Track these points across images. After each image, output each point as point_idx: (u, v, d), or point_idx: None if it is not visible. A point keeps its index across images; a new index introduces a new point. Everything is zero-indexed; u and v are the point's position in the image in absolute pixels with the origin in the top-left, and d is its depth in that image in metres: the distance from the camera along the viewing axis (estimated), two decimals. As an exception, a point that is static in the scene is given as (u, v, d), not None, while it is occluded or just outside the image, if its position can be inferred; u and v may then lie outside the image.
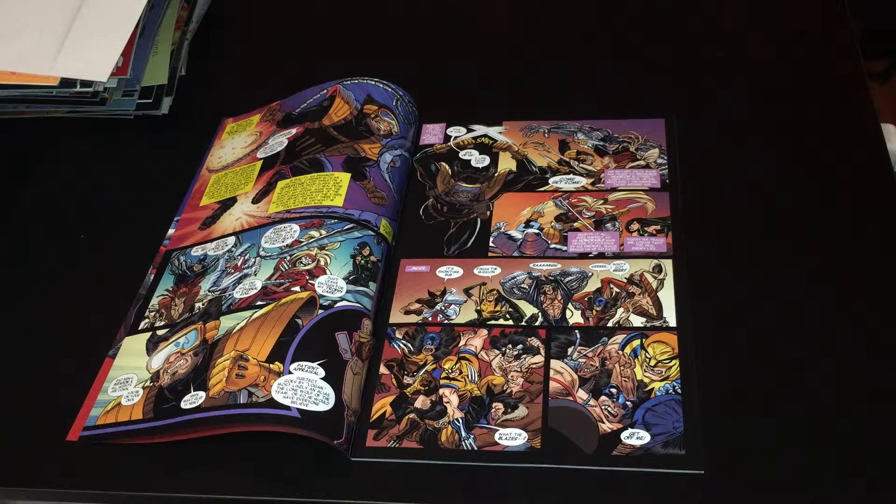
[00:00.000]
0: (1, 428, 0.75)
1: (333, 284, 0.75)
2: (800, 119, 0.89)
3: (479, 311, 0.76)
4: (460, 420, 0.69)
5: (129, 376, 0.75)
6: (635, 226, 0.80)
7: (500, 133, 0.91)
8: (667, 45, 1.00)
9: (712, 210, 0.81)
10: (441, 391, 0.71)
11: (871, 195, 0.81)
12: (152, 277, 0.83)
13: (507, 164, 0.88)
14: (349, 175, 0.84)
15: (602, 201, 0.83)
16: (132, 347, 0.77)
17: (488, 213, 0.84)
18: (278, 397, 0.68)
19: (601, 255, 0.79)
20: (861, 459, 0.65)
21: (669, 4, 1.05)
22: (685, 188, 0.83)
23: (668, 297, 0.75)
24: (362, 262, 0.78)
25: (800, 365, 0.70)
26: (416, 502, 0.67)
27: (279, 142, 0.90)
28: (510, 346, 0.73)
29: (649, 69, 0.97)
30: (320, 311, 0.73)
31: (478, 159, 0.89)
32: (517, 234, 0.81)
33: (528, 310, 0.76)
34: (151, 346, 0.77)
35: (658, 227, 0.80)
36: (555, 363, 0.72)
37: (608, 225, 0.81)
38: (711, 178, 0.84)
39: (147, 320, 0.79)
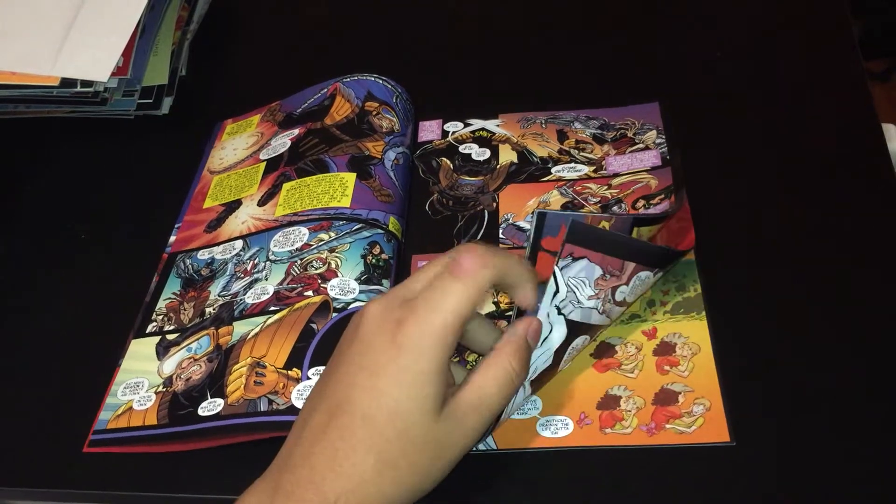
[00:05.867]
0: (4, 430, 0.75)
1: (346, 286, 0.75)
2: (799, 119, 0.89)
3: (496, 304, 0.76)
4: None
5: (139, 380, 0.75)
6: (641, 203, 0.81)
7: (498, 126, 0.92)
8: (665, 45, 1.00)
9: (713, 208, 0.81)
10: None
11: (872, 195, 0.81)
12: (156, 282, 0.82)
13: (507, 155, 0.88)
14: (355, 175, 0.84)
15: (606, 187, 0.83)
16: (140, 351, 0.77)
17: (494, 204, 0.84)
18: (298, 404, 0.68)
19: None
20: (892, 422, 0.66)
21: (668, 2, 1.06)
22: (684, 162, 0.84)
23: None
24: (373, 260, 0.78)
25: (797, 344, 0.71)
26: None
27: (282, 143, 0.90)
28: None
29: (647, 71, 0.97)
30: (334, 315, 0.73)
31: (478, 153, 0.89)
32: (526, 225, 0.82)
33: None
34: (162, 351, 0.76)
35: (662, 196, 0.80)
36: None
37: (615, 208, 0.81)
38: (711, 177, 0.84)
39: (155, 323, 0.79)
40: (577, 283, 0.66)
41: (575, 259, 0.66)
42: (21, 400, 0.77)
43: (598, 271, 0.67)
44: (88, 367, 0.77)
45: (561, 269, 0.65)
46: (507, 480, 0.66)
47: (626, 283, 0.69)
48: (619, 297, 0.69)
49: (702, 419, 0.67)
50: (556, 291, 0.65)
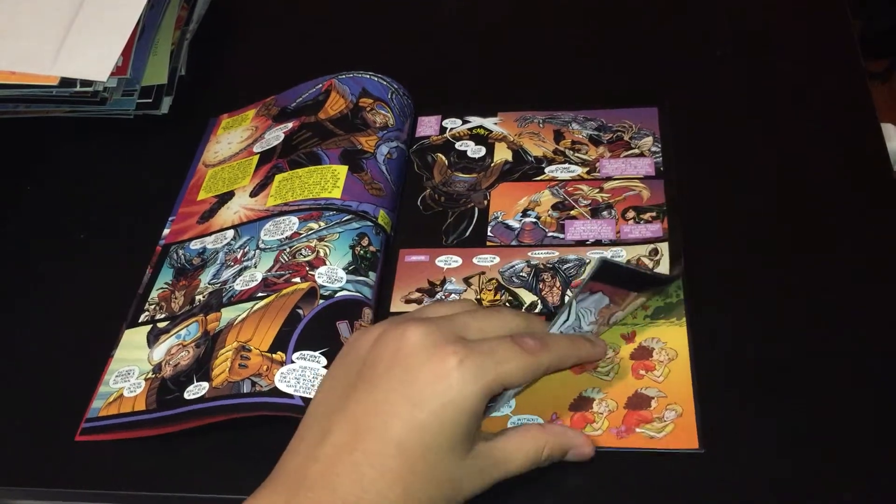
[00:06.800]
0: (1, 428, 0.75)
1: (333, 275, 0.75)
2: (799, 119, 0.88)
3: (479, 300, 0.76)
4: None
5: (130, 368, 0.75)
6: (631, 214, 0.80)
7: (496, 124, 0.92)
8: (665, 43, 1.00)
9: (711, 205, 0.81)
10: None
11: (871, 195, 0.81)
12: (150, 273, 0.83)
13: (502, 154, 0.88)
14: (346, 167, 0.84)
15: (598, 190, 0.83)
16: (133, 340, 0.78)
17: (486, 202, 0.84)
18: (281, 386, 0.68)
19: (598, 243, 0.79)
20: (865, 435, 0.65)
21: (669, 2, 1.06)
22: (680, 178, 0.83)
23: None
24: (361, 252, 0.78)
25: (796, 344, 0.71)
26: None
27: (275, 136, 0.90)
28: None
29: (647, 69, 0.97)
30: (321, 301, 0.73)
31: (474, 150, 0.89)
32: (515, 224, 0.81)
33: (528, 297, 0.76)
34: (152, 339, 0.77)
35: (654, 214, 0.80)
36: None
37: (604, 213, 0.81)
38: (708, 176, 0.84)
39: (147, 313, 0.79)
40: (585, 311, 0.67)
41: (592, 293, 0.66)
42: (17, 393, 0.77)
43: (606, 301, 0.67)
44: (84, 358, 0.77)
45: (576, 301, 0.66)
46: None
47: (623, 309, 0.71)
48: (613, 320, 0.71)
49: (672, 425, 0.66)
50: (566, 320, 0.66)
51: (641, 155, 0.85)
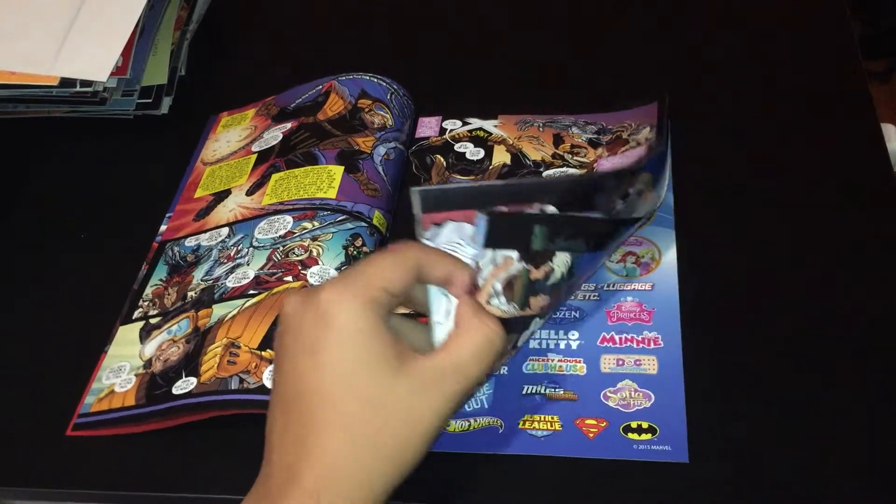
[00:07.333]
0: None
1: (325, 274, 0.75)
2: (799, 119, 0.88)
3: None
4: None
5: (122, 364, 0.75)
6: None
7: (496, 126, 0.91)
8: (665, 44, 1.00)
9: (711, 206, 0.81)
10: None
11: (872, 195, 0.80)
12: (145, 270, 0.83)
13: (501, 157, 0.88)
14: (342, 168, 0.84)
15: None
16: (126, 336, 0.78)
17: None
18: (269, 383, 0.68)
19: None
20: (865, 435, 0.65)
21: (669, 3, 1.05)
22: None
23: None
24: (354, 252, 0.78)
25: (796, 345, 0.70)
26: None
27: (274, 136, 0.90)
28: None
29: (647, 69, 0.97)
30: None
31: (472, 152, 0.89)
32: None
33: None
34: (144, 335, 0.77)
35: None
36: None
37: None
38: (708, 177, 0.84)
39: (141, 309, 0.79)
40: (453, 246, 0.64)
41: (439, 225, 0.64)
42: (14, 390, 0.77)
43: (469, 228, 0.65)
44: (79, 354, 0.78)
45: (429, 241, 0.64)
46: (472, 481, 0.66)
47: None
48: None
49: None
50: None
51: (638, 145, 0.84)
